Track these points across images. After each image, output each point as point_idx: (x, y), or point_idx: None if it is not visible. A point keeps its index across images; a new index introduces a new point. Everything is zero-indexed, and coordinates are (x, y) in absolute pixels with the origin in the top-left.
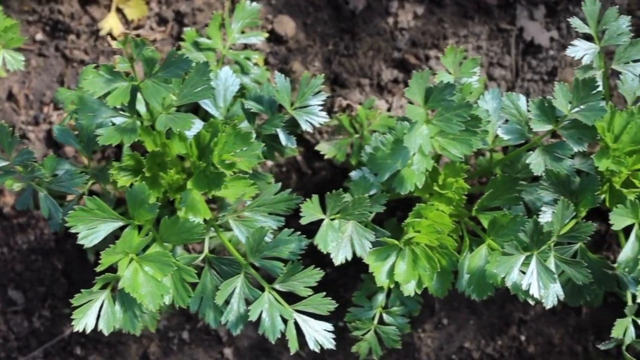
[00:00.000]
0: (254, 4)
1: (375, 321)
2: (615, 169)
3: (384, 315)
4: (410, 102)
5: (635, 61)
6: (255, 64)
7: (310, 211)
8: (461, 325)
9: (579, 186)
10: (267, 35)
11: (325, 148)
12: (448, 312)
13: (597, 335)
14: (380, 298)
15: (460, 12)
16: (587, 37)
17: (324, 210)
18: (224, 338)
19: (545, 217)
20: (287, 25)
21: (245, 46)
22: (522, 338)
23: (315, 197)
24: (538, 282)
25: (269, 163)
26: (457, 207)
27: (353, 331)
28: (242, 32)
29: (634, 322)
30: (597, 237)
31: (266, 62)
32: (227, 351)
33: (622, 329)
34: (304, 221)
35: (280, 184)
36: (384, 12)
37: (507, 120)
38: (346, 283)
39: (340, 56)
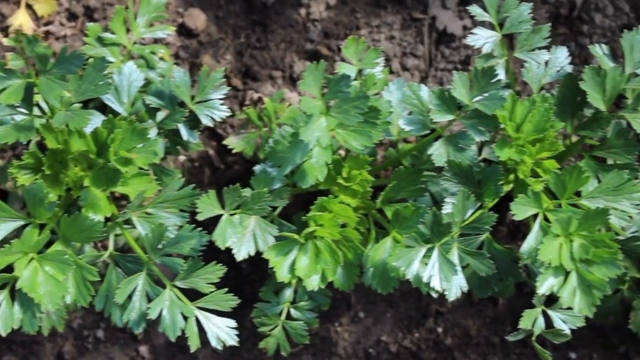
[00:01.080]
0: None
1: (283, 316)
2: (517, 159)
3: (292, 310)
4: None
5: (540, 48)
6: (161, 59)
7: (207, 207)
8: (378, 319)
9: (482, 176)
10: (173, 28)
11: (234, 142)
12: (364, 305)
13: (514, 326)
14: (288, 293)
15: (372, 2)
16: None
17: (223, 206)
18: (140, 336)
19: (448, 208)
20: (197, 19)
21: (156, 40)
22: (439, 330)
23: (212, 192)
24: (440, 275)
25: (181, 158)
26: (364, 200)
27: (260, 327)
28: (149, 26)
29: (544, 313)
30: (512, 227)
31: (177, 56)
32: (143, 349)
33: (531, 320)
34: (200, 217)
35: (183, 179)
36: (296, 3)
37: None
38: (262, 277)
39: (252, 49)
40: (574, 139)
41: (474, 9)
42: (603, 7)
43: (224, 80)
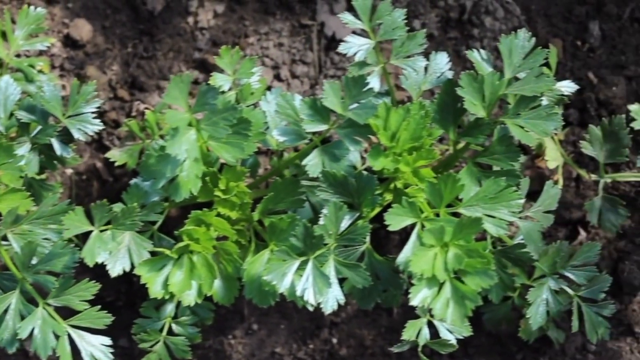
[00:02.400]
0: (39, 9)
1: (164, 332)
2: (391, 168)
3: (173, 326)
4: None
5: (419, 54)
6: (40, 71)
7: (74, 223)
8: (272, 330)
9: (358, 186)
10: (54, 40)
11: (116, 155)
12: (258, 317)
13: None
14: (170, 308)
15: (261, 9)
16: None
17: (93, 222)
18: (31, 352)
19: (322, 220)
20: (82, 29)
21: (40, 52)
22: (334, 341)
23: (78, 208)
24: (314, 288)
25: (69, 171)
26: (244, 212)
27: (140, 343)
28: (29, 38)
29: (429, 323)
30: (404, 235)
31: (62, 68)
32: None
33: (415, 330)
34: (67, 234)
35: (58, 194)
36: (184, 11)
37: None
38: None
39: (139, 59)
40: (461, 145)
41: (345, 16)
42: (493, 10)
43: (96, 93)
